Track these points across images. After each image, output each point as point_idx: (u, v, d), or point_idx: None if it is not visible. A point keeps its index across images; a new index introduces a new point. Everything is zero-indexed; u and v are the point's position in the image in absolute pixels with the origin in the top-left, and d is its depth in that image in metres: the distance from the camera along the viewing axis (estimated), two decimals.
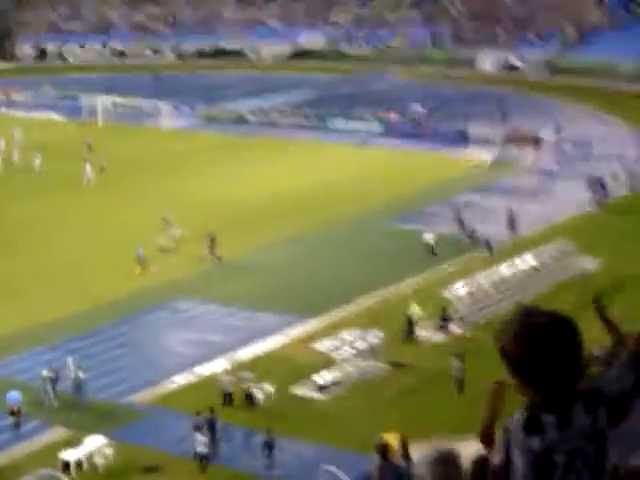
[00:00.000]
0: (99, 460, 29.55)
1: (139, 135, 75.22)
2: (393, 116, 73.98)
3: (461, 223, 47.92)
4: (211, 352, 37.16)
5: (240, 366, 34.60)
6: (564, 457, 3.67)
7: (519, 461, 3.72)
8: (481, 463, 4.63)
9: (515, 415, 3.74)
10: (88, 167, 61.03)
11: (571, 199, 53.97)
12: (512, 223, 48.10)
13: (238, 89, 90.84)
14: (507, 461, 3.76)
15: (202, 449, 29.36)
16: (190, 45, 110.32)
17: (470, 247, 46.43)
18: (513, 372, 3.74)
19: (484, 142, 67.37)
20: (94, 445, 29.99)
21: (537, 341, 3.68)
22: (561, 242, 44.30)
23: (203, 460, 29.34)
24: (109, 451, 29.81)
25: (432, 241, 45.81)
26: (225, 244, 46.55)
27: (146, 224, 51.90)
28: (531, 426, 3.70)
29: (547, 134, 66.82)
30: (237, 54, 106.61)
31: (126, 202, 57.01)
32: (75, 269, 45.83)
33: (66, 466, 29.19)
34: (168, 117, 78.17)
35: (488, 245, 45.28)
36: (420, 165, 62.40)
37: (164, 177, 61.51)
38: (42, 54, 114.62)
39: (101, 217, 54.35)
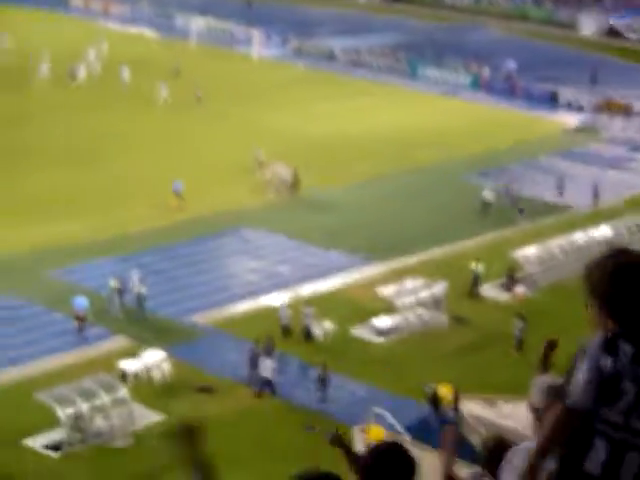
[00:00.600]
0: (156, 374, 30.23)
1: (229, 60, 75.30)
2: (485, 70, 72.97)
3: (508, 189, 47.06)
4: (276, 283, 37.56)
5: (303, 301, 34.91)
6: (634, 387, 3.71)
7: (584, 375, 3.75)
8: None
9: (595, 336, 3.79)
10: (164, 88, 61.21)
11: None
12: (594, 192, 47.41)
13: (331, 25, 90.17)
14: (571, 376, 3.78)
15: (267, 374, 29.74)
16: None
17: (544, 212, 46.03)
18: (600, 305, 3.82)
19: (574, 106, 66.28)
20: (153, 359, 30.67)
21: (628, 276, 3.78)
22: None
23: (266, 385, 29.72)
24: (167, 366, 30.46)
25: (491, 199, 45.51)
26: (302, 181, 46.72)
27: (222, 149, 52.29)
28: (608, 347, 3.75)
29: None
30: None
31: (206, 126, 57.30)
32: (149, 186, 46.36)
33: (123, 375, 29.93)
34: (259, 45, 78.07)
35: (520, 210, 44.78)
36: (506, 122, 61.61)
37: (248, 105, 61.55)
38: None
39: (178, 137, 54.67)
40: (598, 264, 3.86)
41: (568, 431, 3.82)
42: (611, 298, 3.79)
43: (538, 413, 4.67)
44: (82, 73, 66.01)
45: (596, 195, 47.28)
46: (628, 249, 3.91)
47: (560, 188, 47.95)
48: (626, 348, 3.73)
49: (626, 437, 3.75)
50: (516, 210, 44.85)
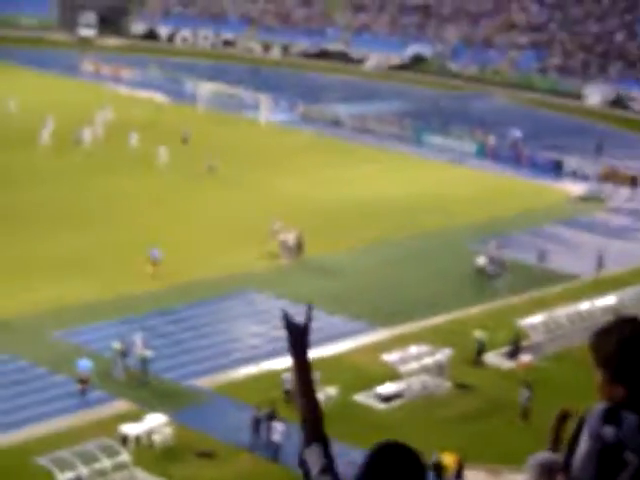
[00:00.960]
0: (157, 438, 30.00)
1: (236, 125, 75.87)
2: (491, 138, 73.49)
3: (492, 257, 47.28)
4: (279, 347, 37.35)
5: None
6: (637, 458, 3.59)
7: (584, 447, 3.65)
8: None
9: (596, 406, 3.71)
10: (166, 153, 61.54)
11: None
12: (598, 260, 47.41)
13: (338, 92, 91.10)
14: (572, 448, 3.70)
15: (277, 437, 29.41)
16: (297, 44, 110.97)
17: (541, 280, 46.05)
18: (605, 373, 3.75)
19: (579, 175, 66.60)
20: (154, 423, 30.45)
21: (634, 345, 3.73)
22: None
23: (277, 449, 29.37)
24: (168, 430, 30.23)
25: (483, 265, 45.89)
26: (306, 245, 46.82)
27: (229, 213, 52.46)
28: (610, 417, 3.67)
29: None
30: (341, 57, 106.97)
31: (213, 190, 57.48)
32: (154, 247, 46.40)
33: (124, 439, 29.70)
34: (267, 111, 78.72)
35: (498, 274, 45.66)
36: (511, 190, 61.87)
37: (256, 171, 61.84)
38: (153, 35, 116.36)
39: (184, 202, 54.75)
40: (604, 332, 3.82)
41: None
42: (618, 367, 3.75)
43: None
44: (87, 137, 66.24)
45: (600, 264, 47.27)
46: (635, 318, 3.89)
47: (541, 256, 47.90)
48: (630, 418, 3.65)
49: None
50: (500, 275, 45.34)
